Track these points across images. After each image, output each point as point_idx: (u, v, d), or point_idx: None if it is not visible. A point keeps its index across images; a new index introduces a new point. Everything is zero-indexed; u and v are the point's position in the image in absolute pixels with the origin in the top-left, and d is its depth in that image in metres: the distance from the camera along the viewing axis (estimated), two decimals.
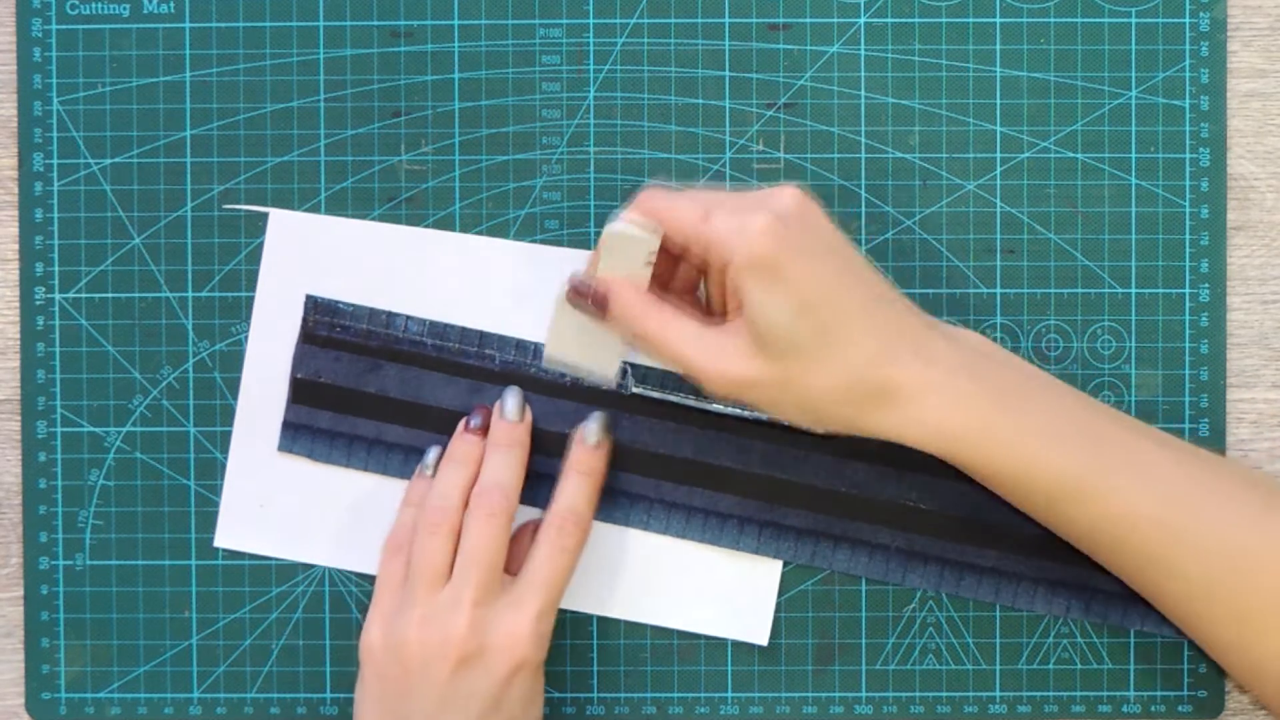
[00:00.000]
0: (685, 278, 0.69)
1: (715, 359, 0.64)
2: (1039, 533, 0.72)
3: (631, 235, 0.66)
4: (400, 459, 0.73)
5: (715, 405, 0.72)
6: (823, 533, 0.72)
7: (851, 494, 0.72)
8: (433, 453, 0.72)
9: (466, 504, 0.70)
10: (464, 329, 0.73)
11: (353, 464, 0.73)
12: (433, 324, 0.73)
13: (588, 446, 0.71)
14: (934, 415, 0.63)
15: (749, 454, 0.72)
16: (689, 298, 0.70)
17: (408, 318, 0.73)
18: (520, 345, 0.73)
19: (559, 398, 0.72)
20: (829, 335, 0.63)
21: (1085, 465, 0.64)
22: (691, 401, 0.72)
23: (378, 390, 0.73)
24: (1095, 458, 0.64)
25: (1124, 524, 0.64)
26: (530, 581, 0.69)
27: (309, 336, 0.73)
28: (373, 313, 0.73)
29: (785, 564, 0.73)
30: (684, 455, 0.72)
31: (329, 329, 0.73)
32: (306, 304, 0.73)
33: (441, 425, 0.73)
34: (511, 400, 0.71)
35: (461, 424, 0.71)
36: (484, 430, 0.71)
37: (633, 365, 0.72)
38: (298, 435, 0.73)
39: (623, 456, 0.72)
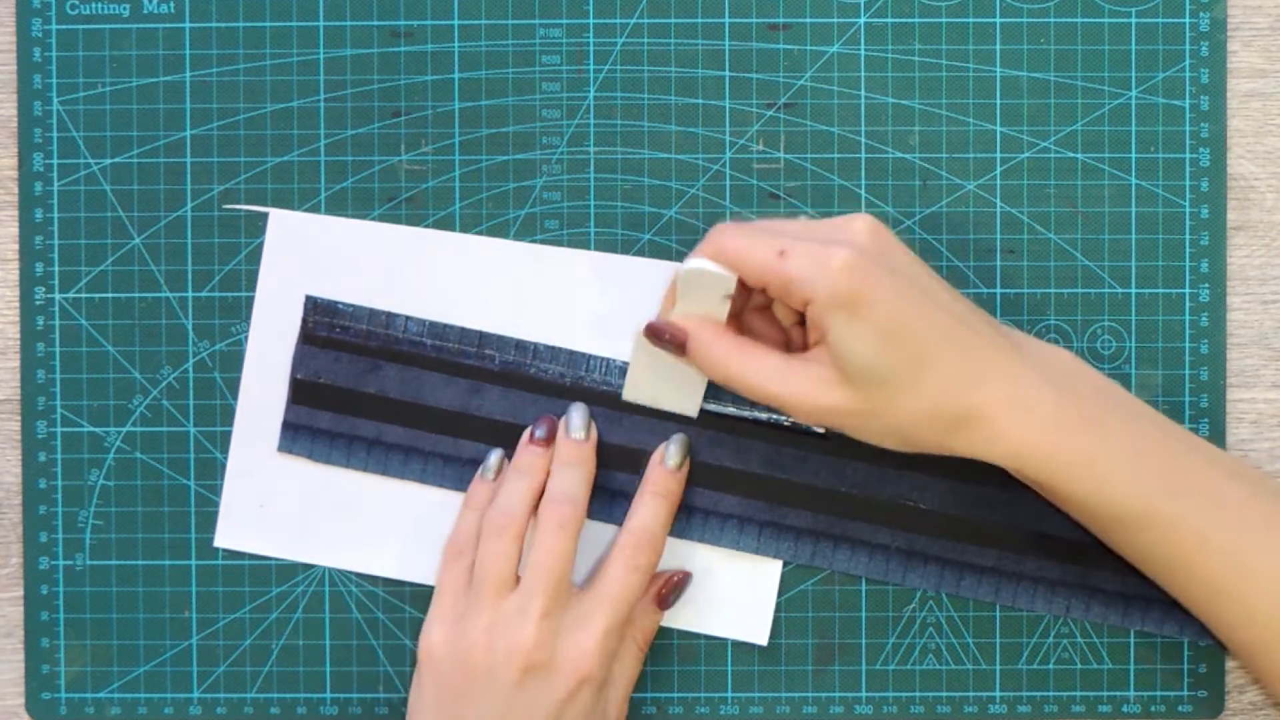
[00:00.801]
0: (761, 298, 0.69)
1: (801, 392, 0.65)
2: (1038, 532, 0.72)
3: (708, 273, 0.66)
4: (400, 459, 0.73)
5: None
6: (823, 533, 0.72)
7: (851, 494, 0.72)
8: (494, 455, 0.72)
9: (532, 512, 0.70)
10: (463, 329, 0.73)
11: (353, 464, 0.73)
12: (432, 324, 0.73)
13: (668, 469, 0.71)
14: (1014, 435, 0.64)
15: (749, 454, 0.72)
16: (765, 316, 0.70)
17: (407, 318, 0.73)
18: (520, 345, 0.73)
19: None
20: (913, 365, 0.63)
21: (1158, 490, 0.64)
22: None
23: (377, 391, 0.73)
24: (1168, 483, 0.64)
25: (1192, 552, 0.64)
26: (600, 598, 0.68)
27: (309, 337, 0.73)
28: (372, 313, 0.73)
29: (785, 564, 0.73)
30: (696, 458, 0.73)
31: (329, 329, 0.73)
32: (306, 304, 0.73)
33: (441, 425, 0.73)
34: (577, 418, 0.71)
35: (526, 434, 0.71)
36: (548, 441, 0.71)
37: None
38: (298, 436, 0.73)
39: (621, 457, 0.72)
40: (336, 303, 0.73)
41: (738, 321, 0.69)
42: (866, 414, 0.64)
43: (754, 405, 0.72)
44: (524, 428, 0.72)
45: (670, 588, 0.72)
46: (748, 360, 0.66)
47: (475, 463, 0.73)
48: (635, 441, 0.73)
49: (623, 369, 0.72)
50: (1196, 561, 0.64)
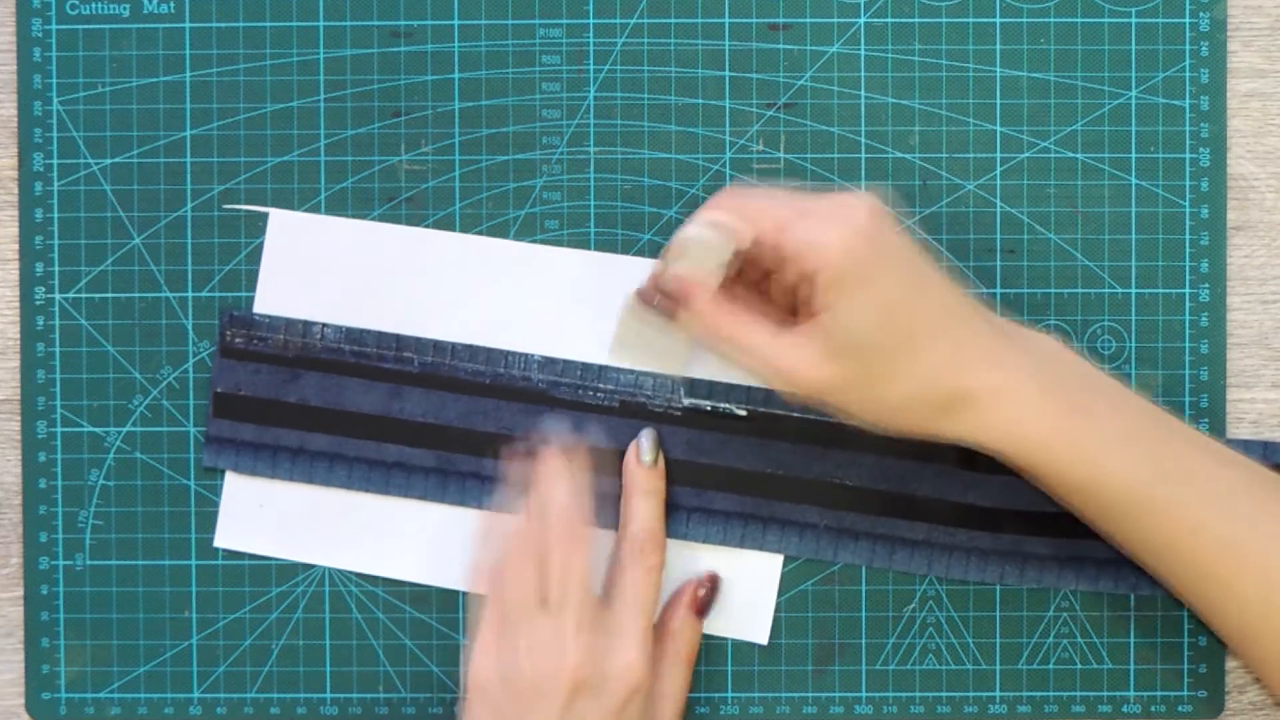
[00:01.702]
0: (751, 274, 0.69)
1: (792, 362, 0.64)
2: (967, 504, 0.72)
3: (708, 238, 0.66)
4: (325, 467, 0.73)
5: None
6: (750, 515, 0.72)
7: (777, 474, 0.72)
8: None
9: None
10: (380, 333, 0.73)
11: (278, 475, 0.73)
12: (349, 330, 0.73)
13: (645, 466, 0.71)
14: (1004, 421, 0.64)
15: (673, 440, 0.72)
16: (755, 293, 0.69)
17: (324, 325, 0.73)
18: (438, 346, 0.73)
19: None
20: (907, 343, 0.63)
21: (1149, 476, 0.64)
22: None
23: (298, 400, 0.73)
24: (1159, 469, 0.64)
25: (1185, 538, 0.64)
26: (627, 606, 0.68)
27: (227, 351, 0.73)
28: (289, 323, 0.73)
29: (784, 562, 0.73)
30: (608, 446, 0.72)
31: (246, 341, 0.73)
32: (222, 319, 0.73)
33: (364, 430, 0.73)
34: (560, 433, 0.71)
35: (520, 453, 0.71)
36: (528, 454, 0.71)
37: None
38: (222, 449, 0.73)
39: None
40: (253, 315, 0.73)
41: (731, 295, 0.68)
42: (855, 389, 0.64)
43: (679, 394, 0.72)
44: (446, 428, 0.72)
45: (705, 594, 0.72)
46: (740, 326, 0.65)
47: (400, 466, 0.73)
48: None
49: (541, 362, 0.72)
50: (1188, 547, 0.64)
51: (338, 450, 0.73)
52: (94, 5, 0.73)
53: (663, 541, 0.71)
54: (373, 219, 0.74)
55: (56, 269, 0.74)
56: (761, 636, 0.74)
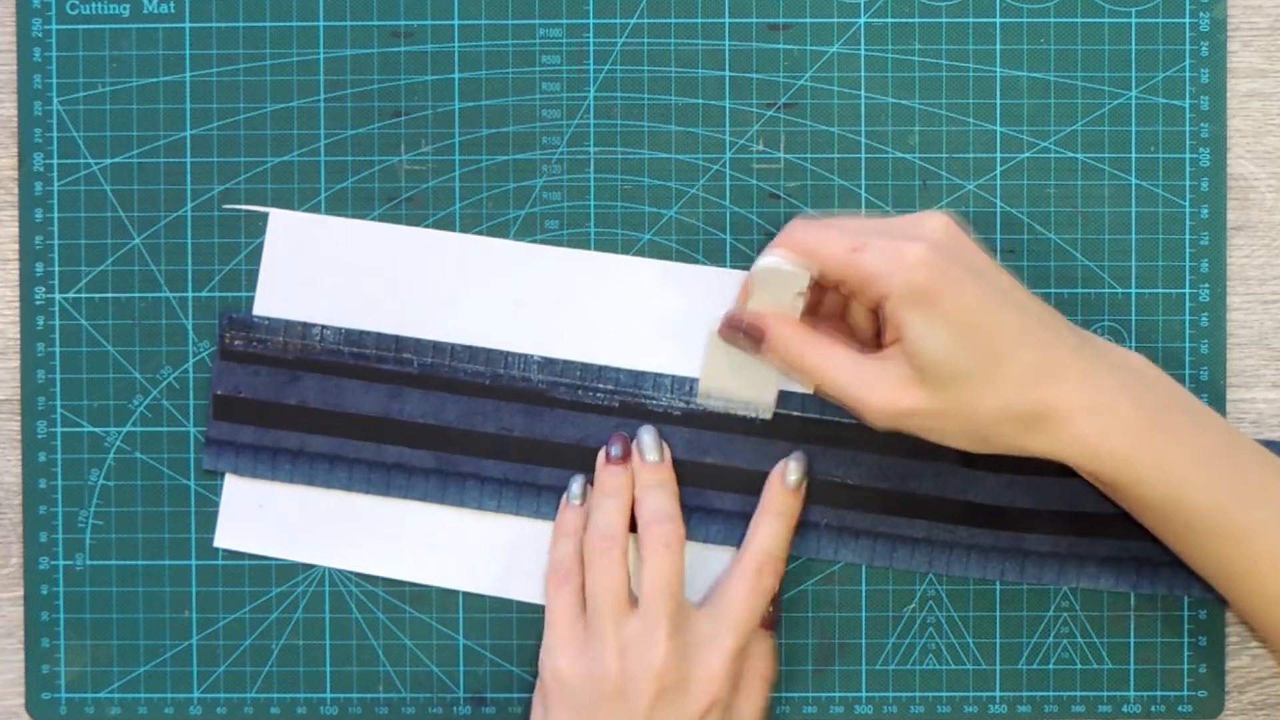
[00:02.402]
0: (832, 304, 0.70)
1: (877, 390, 0.64)
2: (967, 501, 0.72)
3: (783, 270, 0.66)
4: (325, 469, 0.73)
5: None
6: (751, 515, 0.72)
7: None
8: (577, 482, 0.72)
9: (628, 530, 0.70)
10: (379, 334, 0.73)
11: (278, 477, 0.73)
12: (349, 332, 0.73)
13: (788, 489, 0.71)
14: (1091, 436, 0.63)
15: (671, 441, 0.72)
16: (838, 323, 0.70)
17: (323, 327, 0.73)
18: (437, 347, 0.73)
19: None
20: (989, 360, 0.63)
21: (1231, 499, 0.64)
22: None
23: (298, 401, 0.73)
24: (1241, 492, 0.64)
25: (1263, 563, 0.64)
26: (726, 619, 0.69)
27: (226, 353, 0.73)
28: (288, 325, 0.73)
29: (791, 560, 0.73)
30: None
31: (246, 344, 0.73)
32: (222, 321, 0.73)
33: (364, 432, 0.73)
34: (648, 440, 0.71)
35: (602, 455, 0.72)
36: (625, 459, 0.71)
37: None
38: (222, 452, 0.73)
39: (544, 451, 0.73)
40: (252, 317, 0.73)
41: (812, 326, 0.68)
42: (942, 413, 0.64)
43: (675, 395, 0.72)
44: (446, 429, 0.72)
45: (773, 611, 0.71)
46: (825, 354, 0.66)
47: (400, 467, 0.73)
48: (555, 435, 0.73)
49: (540, 363, 0.72)
50: (1267, 572, 0.64)
51: (337, 452, 0.73)
52: (94, 5, 0.73)
53: (781, 569, 0.70)
54: (373, 219, 0.74)
55: (56, 269, 0.74)
56: None
